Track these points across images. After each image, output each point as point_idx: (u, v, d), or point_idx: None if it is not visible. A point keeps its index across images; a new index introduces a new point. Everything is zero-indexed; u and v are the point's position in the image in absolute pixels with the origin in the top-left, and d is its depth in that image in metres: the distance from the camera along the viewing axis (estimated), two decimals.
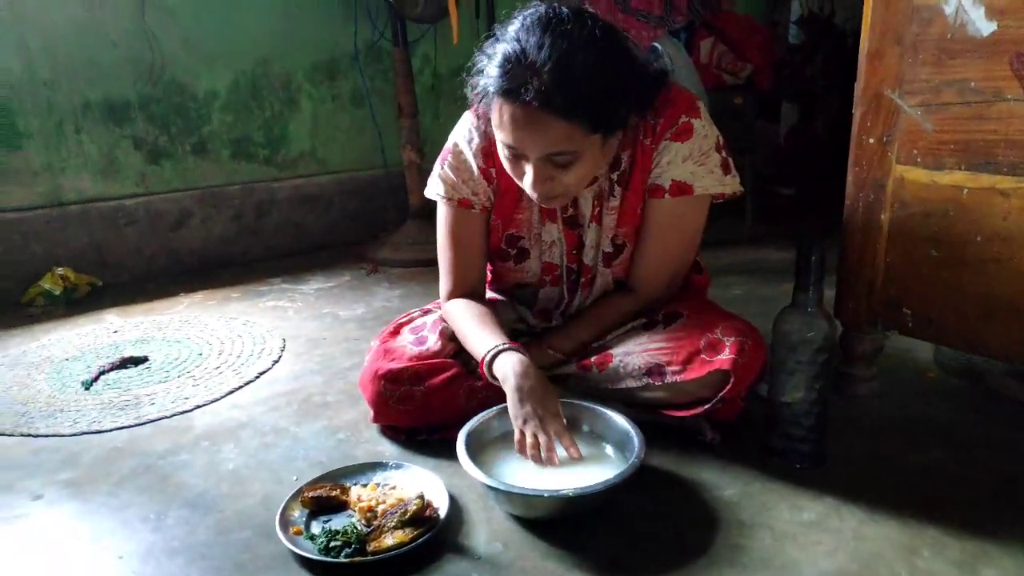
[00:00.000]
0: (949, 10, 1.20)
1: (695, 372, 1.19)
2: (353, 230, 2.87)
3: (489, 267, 1.47)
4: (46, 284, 2.24)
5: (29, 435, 1.46)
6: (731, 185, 1.29)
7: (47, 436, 1.45)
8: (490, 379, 1.23)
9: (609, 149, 1.19)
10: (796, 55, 3.46)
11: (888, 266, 1.35)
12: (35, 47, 2.19)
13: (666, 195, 1.26)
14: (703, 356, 1.19)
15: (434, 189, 1.35)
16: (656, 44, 2.54)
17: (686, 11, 2.64)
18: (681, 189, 1.26)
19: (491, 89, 1.09)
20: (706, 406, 1.19)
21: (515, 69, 1.05)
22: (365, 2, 2.64)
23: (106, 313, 2.16)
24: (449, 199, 1.33)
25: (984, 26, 1.17)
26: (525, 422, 1.14)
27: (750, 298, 2.07)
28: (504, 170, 1.23)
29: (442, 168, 1.34)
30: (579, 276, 1.39)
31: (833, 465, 1.22)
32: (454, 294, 1.38)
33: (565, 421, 1.17)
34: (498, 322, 1.31)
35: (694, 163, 1.25)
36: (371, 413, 1.35)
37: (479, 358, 1.24)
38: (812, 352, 1.16)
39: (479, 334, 1.27)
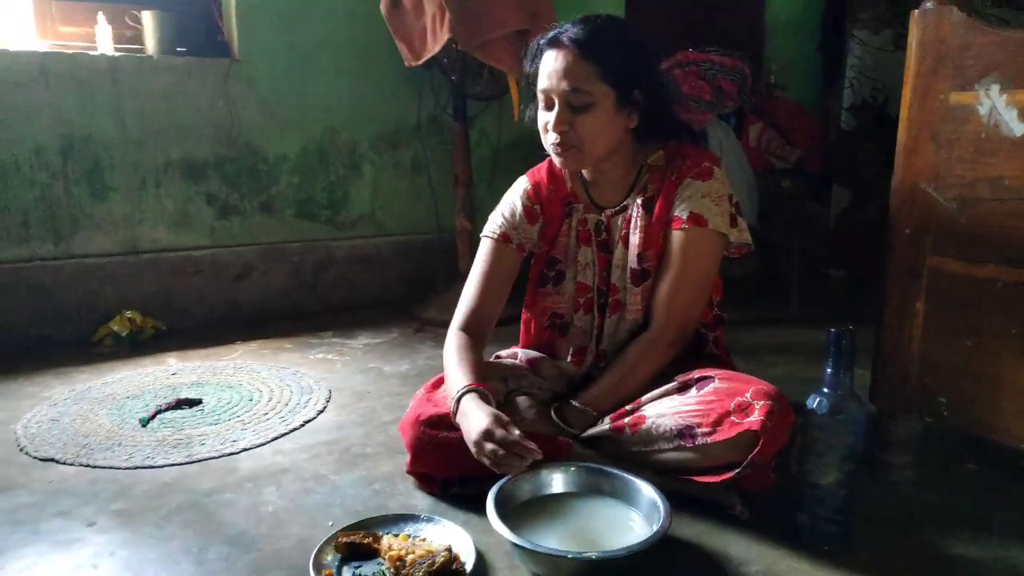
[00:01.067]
0: (983, 111, 1.25)
1: (725, 434, 1.22)
2: (405, 290, 2.98)
3: (532, 306, 1.59)
4: (115, 326, 2.39)
5: (88, 465, 1.55)
6: (738, 237, 1.43)
7: (104, 468, 1.54)
8: (454, 416, 1.32)
9: (619, 126, 1.39)
10: (848, 141, 3.51)
11: (923, 354, 1.36)
12: (128, 109, 2.40)
13: (684, 224, 1.40)
14: (733, 418, 1.22)
15: (485, 229, 1.56)
16: (707, 127, 2.63)
17: (736, 97, 2.72)
18: (697, 221, 1.39)
19: (541, 43, 1.40)
20: (736, 470, 1.21)
21: (559, 30, 1.39)
22: (429, 79, 2.81)
23: (167, 356, 2.28)
24: (493, 235, 1.53)
25: (1017, 127, 1.21)
26: (480, 451, 1.23)
27: (791, 378, 2.07)
28: (548, 202, 1.54)
29: (495, 212, 1.57)
30: (608, 297, 1.50)
31: (861, 549, 1.21)
32: (463, 323, 1.50)
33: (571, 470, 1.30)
34: (478, 363, 1.42)
35: (711, 201, 1.40)
36: (408, 460, 1.40)
37: (451, 394, 1.35)
38: (842, 433, 1.17)
39: (456, 371, 1.39)
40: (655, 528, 1.12)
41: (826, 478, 1.19)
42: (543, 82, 1.38)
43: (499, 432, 1.21)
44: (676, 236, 1.42)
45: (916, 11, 1.33)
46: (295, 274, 2.78)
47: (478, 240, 1.56)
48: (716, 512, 1.30)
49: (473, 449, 1.24)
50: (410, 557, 1.13)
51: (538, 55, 1.41)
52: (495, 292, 1.52)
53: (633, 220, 1.47)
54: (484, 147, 3.04)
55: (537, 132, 1.44)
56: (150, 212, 2.50)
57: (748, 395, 1.24)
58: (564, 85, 1.34)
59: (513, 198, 1.56)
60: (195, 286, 2.60)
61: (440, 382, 1.51)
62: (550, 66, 1.36)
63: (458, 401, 1.31)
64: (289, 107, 2.67)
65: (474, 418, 1.25)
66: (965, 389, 1.31)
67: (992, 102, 1.24)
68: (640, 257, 1.45)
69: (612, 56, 1.36)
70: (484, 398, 1.31)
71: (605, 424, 1.38)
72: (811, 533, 1.22)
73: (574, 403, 1.43)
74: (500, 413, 1.26)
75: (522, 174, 1.60)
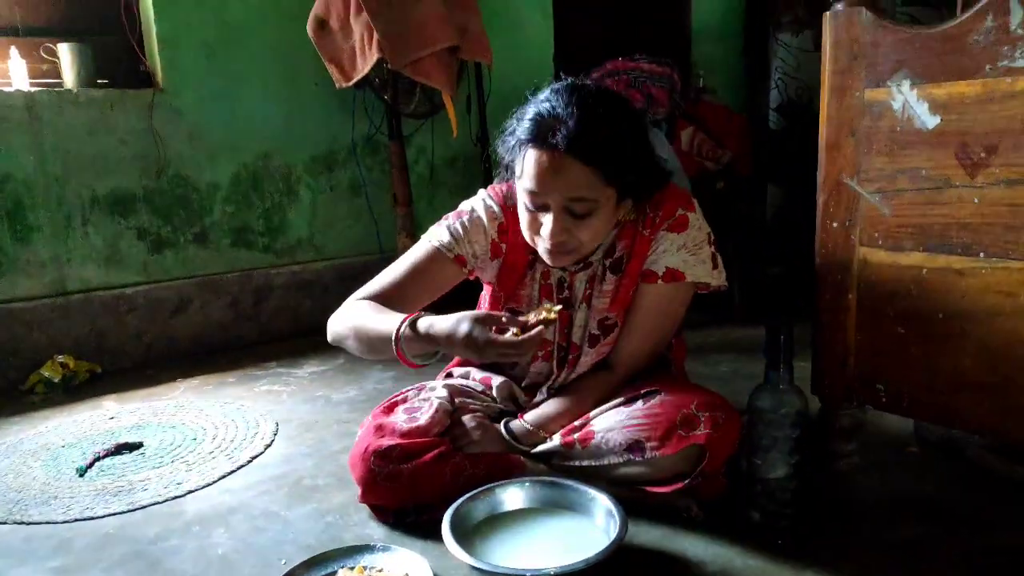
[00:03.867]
0: (897, 106, 1.30)
1: (672, 448, 1.23)
2: None
3: None
4: (46, 372, 2.28)
5: (22, 523, 1.47)
6: (718, 279, 1.40)
7: (40, 523, 1.46)
8: (408, 343, 1.20)
9: (616, 215, 1.29)
10: (778, 140, 3.62)
11: (859, 343, 1.40)
12: (48, 146, 2.31)
13: (659, 280, 1.36)
14: (680, 432, 1.23)
15: (434, 236, 1.39)
16: None
17: (667, 103, 2.79)
18: (674, 276, 1.35)
19: (522, 138, 1.22)
20: (686, 481, 1.22)
21: (544, 120, 1.19)
22: (363, 99, 2.79)
23: (104, 399, 2.19)
24: (447, 252, 1.37)
25: (929, 120, 1.26)
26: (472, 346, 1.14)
27: (736, 375, 2.11)
28: (514, 246, 1.39)
29: (453, 223, 1.40)
30: (567, 353, 1.46)
31: (815, 539, 1.23)
32: (370, 297, 1.36)
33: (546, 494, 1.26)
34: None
35: (688, 252, 1.35)
36: (359, 492, 1.37)
37: (392, 330, 1.20)
38: (786, 427, 1.20)
39: (383, 317, 1.25)
40: (612, 537, 1.12)
41: (774, 472, 1.21)
42: (531, 184, 1.20)
43: (477, 331, 1.12)
44: (648, 291, 1.37)
45: (828, 12, 1.37)
46: (234, 305, 2.71)
47: None
48: (671, 516, 1.30)
49: (463, 339, 1.13)
50: None
51: (517, 149, 1.23)
52: (420, 293, 1.37)
53: (596, 281, 1.40)
54: (422, 165, 3.03)
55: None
56: (78, 251, 2.41)
57: (693, 407, 1.25)
58: (564, 194, 1.18)
59: (484, 222, 1.39)
60: (130, 324, 2.51)
61: (390, 408, 1.48)
62: (543, 170, 1.18)
63: (414, 321, 1.18)
64: (218, 135, 2.61)
65: (446, 323, 1.15)
66: (900, 375, 1.35)
67: (904, 97, 1.28)
68: (602, 320, 1.41)
69: (613, 153, 1.19)
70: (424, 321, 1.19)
71: (555, 440, 1.38)
72: (764, 528, 1.24)
73: (524, 422, 1.42)
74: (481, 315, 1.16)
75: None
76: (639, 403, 1.32)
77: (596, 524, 1.21)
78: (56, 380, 2.27)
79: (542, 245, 1.27)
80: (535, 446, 1.40)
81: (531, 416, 1.42)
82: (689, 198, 1.38)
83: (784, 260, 3.52)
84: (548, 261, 1.31)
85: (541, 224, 1.24)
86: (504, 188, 1.43)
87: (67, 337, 2.39)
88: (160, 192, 2.53)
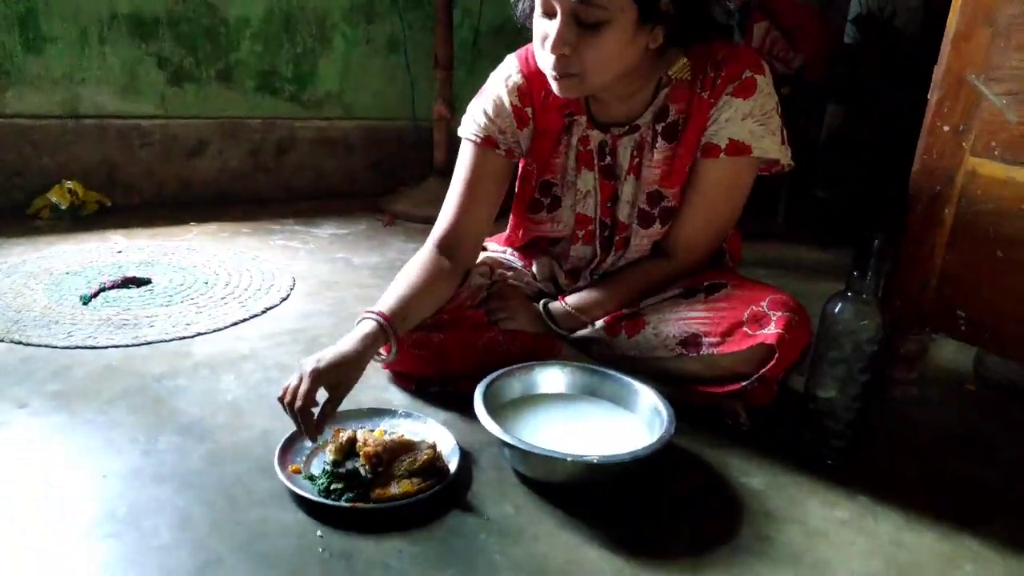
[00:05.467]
0: None
1: (735, 345, 1.11)
2: (373, 180, 2.79)
3: (520, 227, 1.39)
4: (53, 197, 2.16)
5: (20, 343, 1.39)
6: (786, 156, 1.22)
7: (39, 346, 1.38)
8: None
9: (633, 46, 1.08)
10: (850, 55, 3.34)
11: (945, 264, 1.27)
12: None
13: (722, 154, 1.18)
14: (745, 329, 1.11)
15: (464, 128, 1.29)
16: None
17: None
18: (738, 149, 1.17)
19: None
20: (744, 383, 1.11)
21: None
22: None
23: (112, 233, 2.08)
24: (476, 137, 1.26)
25: None
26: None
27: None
28: (543, 109, 1.22)
29: (475, 110, 1.28)
30: (613, 233, 1.30)
31: (866, 465, 1.14)
32: (440, 239, 1.27)
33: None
34: (416, 291, 1.19)
35: (755, 122, 1.17)
36: None
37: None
38: (860, 344, 1.08)
39: (391, 286, 1.21)
40: (657, 434, 1.02)
41: (840, 390, 1.10)
42: None
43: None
44: (711, 167, 1.19)
45: None
46: (254, 154, 2.56)
47: (457, 129, 1.34)
48: (714, 422, 1.21)
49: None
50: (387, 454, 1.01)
51: None
52: (481, 203, 1.27)
53: (646, 148, 1.23)
54: (466, 29, 2.79)
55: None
56: (93, 71, 2.23)
57: (764, 305, 1.12)
58: None
59: (499, 91, 1.25)
60: (143, 160, 2.37)
61: None
62: None
63: (360, 322, 1.14)
64: None
65: (328, 350, 1.07)
66: (987, 304, 1.22)
67: None
68: (654, 196, 1.24)
69: None
70: (370, 338, 1.11)
71: (598, 326, 1.26)
72: (815, 447, 1.15)
73: (565, 304, 1.30)
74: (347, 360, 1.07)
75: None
76: (701, 295, 1.20)
77: (639, 419, 1.12)
78: (63, 207, 2.15)
79: (546, 63, 1.10)
80: (574, 331, 1.29)
81: (573, 299, 1.30)
82: (758, 60, 1.18)
83: (833, 184, 3.33)
84: (555, 90, 1.13)
85: (546, 39, 1.07)
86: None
87: (77, 164, 2.26)
88: (185, 19, 2.32)
